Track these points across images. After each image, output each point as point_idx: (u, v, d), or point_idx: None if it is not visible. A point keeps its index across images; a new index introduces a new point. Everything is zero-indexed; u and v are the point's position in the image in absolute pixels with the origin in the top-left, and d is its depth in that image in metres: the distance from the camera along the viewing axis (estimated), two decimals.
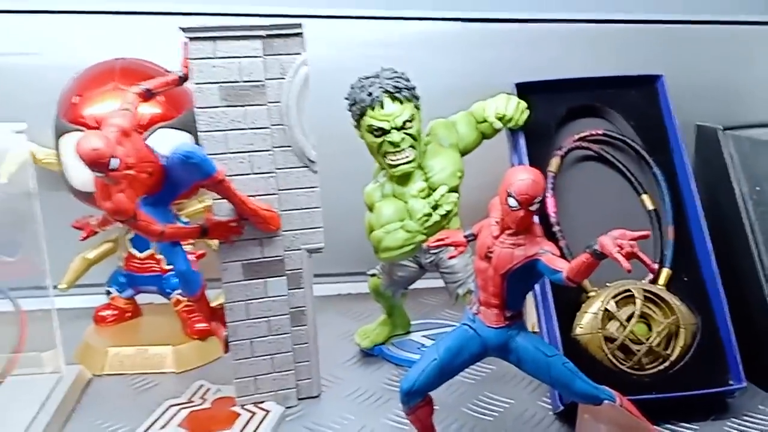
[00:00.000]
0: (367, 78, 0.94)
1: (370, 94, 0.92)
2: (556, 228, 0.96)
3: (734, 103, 1.32)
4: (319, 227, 0.89)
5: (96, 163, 0.68)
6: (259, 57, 0.81)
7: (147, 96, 0.82)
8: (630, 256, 0.64)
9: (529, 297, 0.98)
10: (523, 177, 0.69)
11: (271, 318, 0.90)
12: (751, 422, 0.88)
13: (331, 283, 1.31)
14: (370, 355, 1.09)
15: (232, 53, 0.81)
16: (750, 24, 1.33)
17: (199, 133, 0.83)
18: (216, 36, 0.80)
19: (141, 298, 1.19)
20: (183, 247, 0.84)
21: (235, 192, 0.81)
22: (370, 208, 0.99)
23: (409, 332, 1.14)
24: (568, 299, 0.93)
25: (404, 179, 0.97)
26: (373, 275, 1.06)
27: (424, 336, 1.13)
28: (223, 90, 0.81)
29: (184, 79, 0.83)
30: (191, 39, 0.80)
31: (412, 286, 1.08)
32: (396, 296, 1.07)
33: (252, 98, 0.82)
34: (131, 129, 0.75)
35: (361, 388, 0.98)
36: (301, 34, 0.82)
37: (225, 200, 0.83)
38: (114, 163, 0.69)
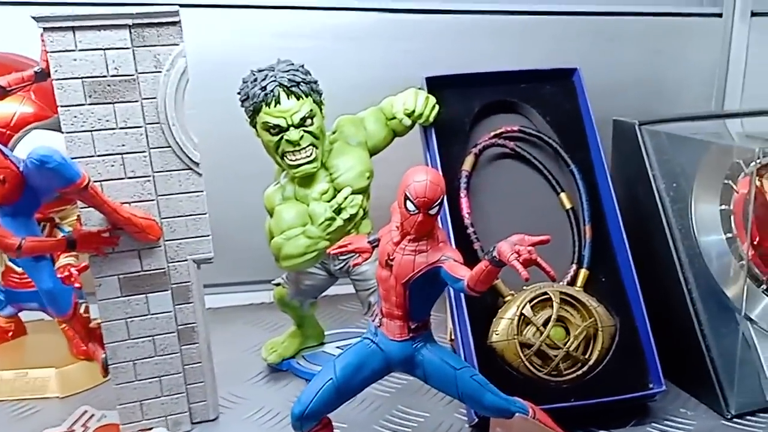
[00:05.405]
0: (261, 71, 0.87)
1: (264, 89, 0.85)
2: (470, 230, 0.91)
3: (652, 98, 1.31)
4: (206, 235, 0.82)
5: None
6: (128, 48, 0.73)
7: (0, 94, 0.73)
8: (528, 263, 0.60)
9: (447, 304, 0.95)
10: (419, 179, 0.65)
11: (156, 337, 0.82)
12: (672, 425, 0.86)
13: (240, 292, 1.23)
14: (278, 370, 1.02)
15: (95, 44, 0.72)
16: (667, 15, 1.33)
17: (63, 135, 0.74)
18: (75, 26, 0.71)
19: (28, 316, 1.09)
20: (50, 261, 0.76)
21: (104, 199, 0.73)
22: (271, 213, 0.92)
23: (322, 343, 1.07)
24: (485, 305, 0.89)
25: (307, 180, 0.91)
26: (278, 285, 0.99)
27: (338, 347, 1.06)
28: (88, 85, 0.73)
29: (43, 74, 0.74)
30: (45, 29, 0.71)
31: (328, 293, 1.01)
32: (305, 306, 1.00)
33: (122, 94, 0.74)
34: None
35: (264, 407, 0.92)
36: (177, 22, 0.74)
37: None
38: None
